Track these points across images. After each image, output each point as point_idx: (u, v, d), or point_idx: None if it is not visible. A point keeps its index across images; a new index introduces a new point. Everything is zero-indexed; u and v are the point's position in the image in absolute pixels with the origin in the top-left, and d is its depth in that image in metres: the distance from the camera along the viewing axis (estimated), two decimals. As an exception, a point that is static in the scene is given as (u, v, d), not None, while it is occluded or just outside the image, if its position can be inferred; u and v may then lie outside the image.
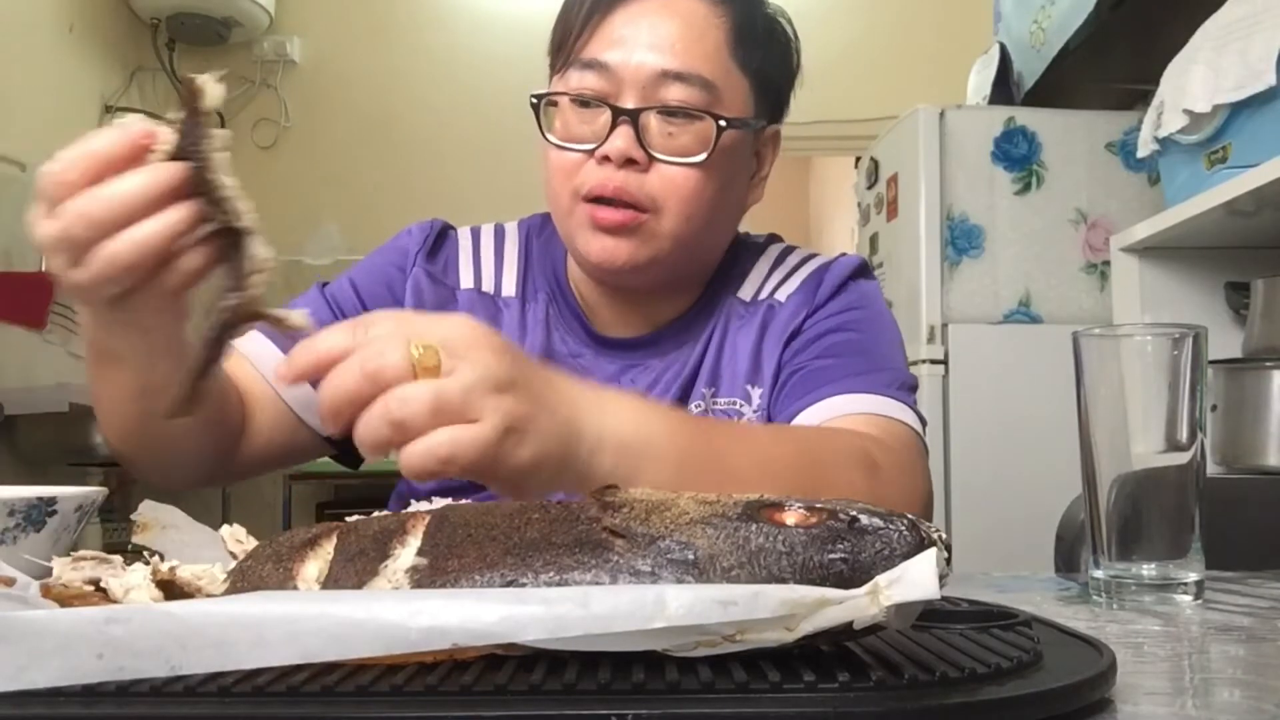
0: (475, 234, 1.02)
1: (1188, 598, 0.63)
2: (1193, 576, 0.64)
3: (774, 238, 1.04)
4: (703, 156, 0.85)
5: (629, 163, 0.85)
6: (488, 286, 0.98)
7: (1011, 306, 2.40)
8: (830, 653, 0.39)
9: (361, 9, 4.06)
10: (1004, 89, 2.62)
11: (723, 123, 0.85)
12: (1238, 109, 1.52)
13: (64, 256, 0.56)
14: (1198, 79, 1.56)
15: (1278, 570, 0.79)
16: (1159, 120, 1.68)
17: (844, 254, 1.01)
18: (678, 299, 0.95)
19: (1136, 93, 2.40)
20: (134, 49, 3.81)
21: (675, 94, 0.85)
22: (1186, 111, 1.59)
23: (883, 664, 0.37)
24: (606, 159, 0.85)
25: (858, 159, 3.15)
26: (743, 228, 1.03)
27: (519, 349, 0.60)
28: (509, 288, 0.98)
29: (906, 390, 0.89)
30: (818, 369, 0.89)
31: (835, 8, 3.93)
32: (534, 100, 0.90)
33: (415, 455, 0.53)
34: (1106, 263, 2.26)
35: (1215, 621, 0.58)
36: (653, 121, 0.85)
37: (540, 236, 1.01)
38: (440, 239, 1.00)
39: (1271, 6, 1.47)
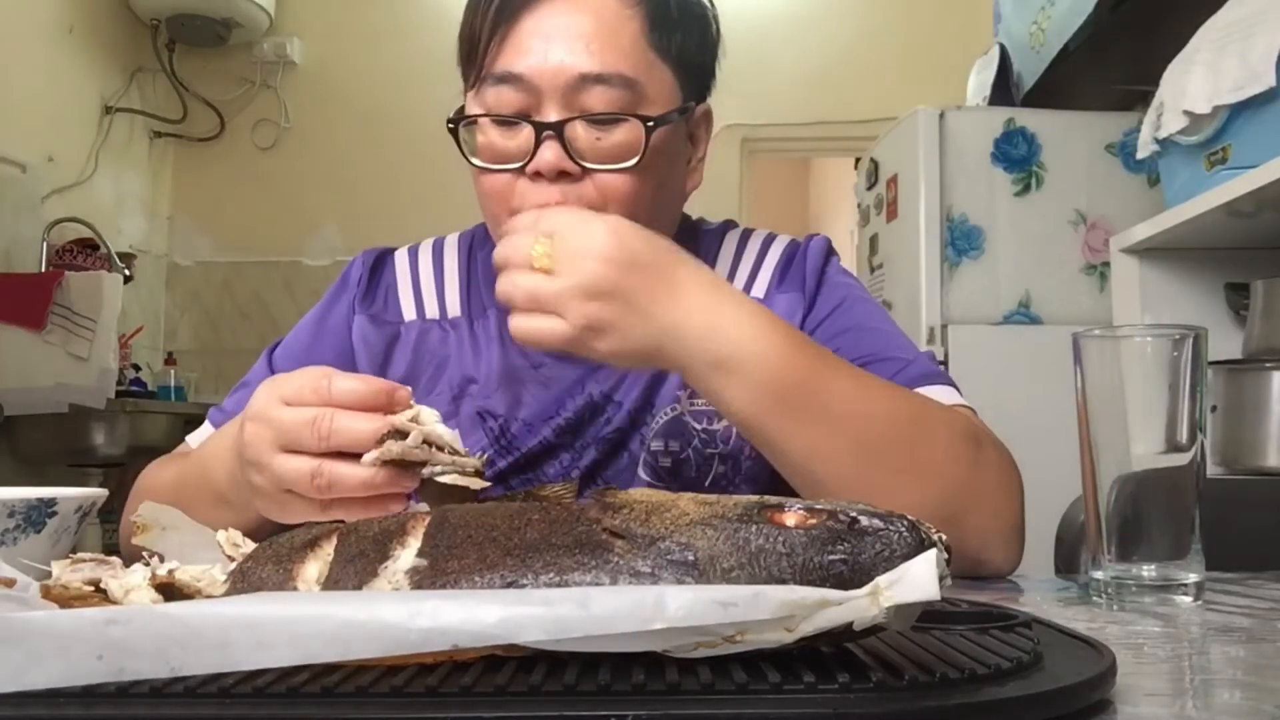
0: (413, 256, 1.01)
1: (1188, 599, 0.63)
2: (1193, 577, 0.64)
3: (729, 223, 1.02)
4: (635, 161, 0.82)
5: (562, 175, 0.82)
6: (432, 312, 0.97)
7: (1011, 307, 2.40)
8: (830, 654, 0.39)
9: (361, 10, 4.06)
10: (1004, 90, 2.62)
11: (650, 123, 0.82)
12: (1237, 110, 1.52)
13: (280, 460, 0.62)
14: (1197, 80, 1.56)
15: (1277, 571, 0.79)
16: (1159, 121, 1.68)
17: (812, 235, 0.99)
18: None
19: (1136, 94, 2.40)
20: (134, 50, 3.81)
21: (597, 99, 0.82)
22: (1186, 113, 1.59)
23: (883, 665, 0.37)
24: (539, 174, 0.82)
25: (857, 160, 3.16)
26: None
27: (639, 255, 0.70)
28: (453, 308, 0.97)
29: (943, 370, 0.90)
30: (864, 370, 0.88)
31: (835, 8, 3.93)
32: (451, 126, 0.86)
33: (513, 329, 0.72)
34: (1106, 264, 2.26)
35: (1215, 623, 0.58)
36: (579, 129, 0.82)
37: (485, 248, 0.99)
38: (376, 270, 1.00)
39: (1271, 7, 1.47)
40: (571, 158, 0.82)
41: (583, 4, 0.83)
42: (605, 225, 0.71)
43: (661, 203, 0.89)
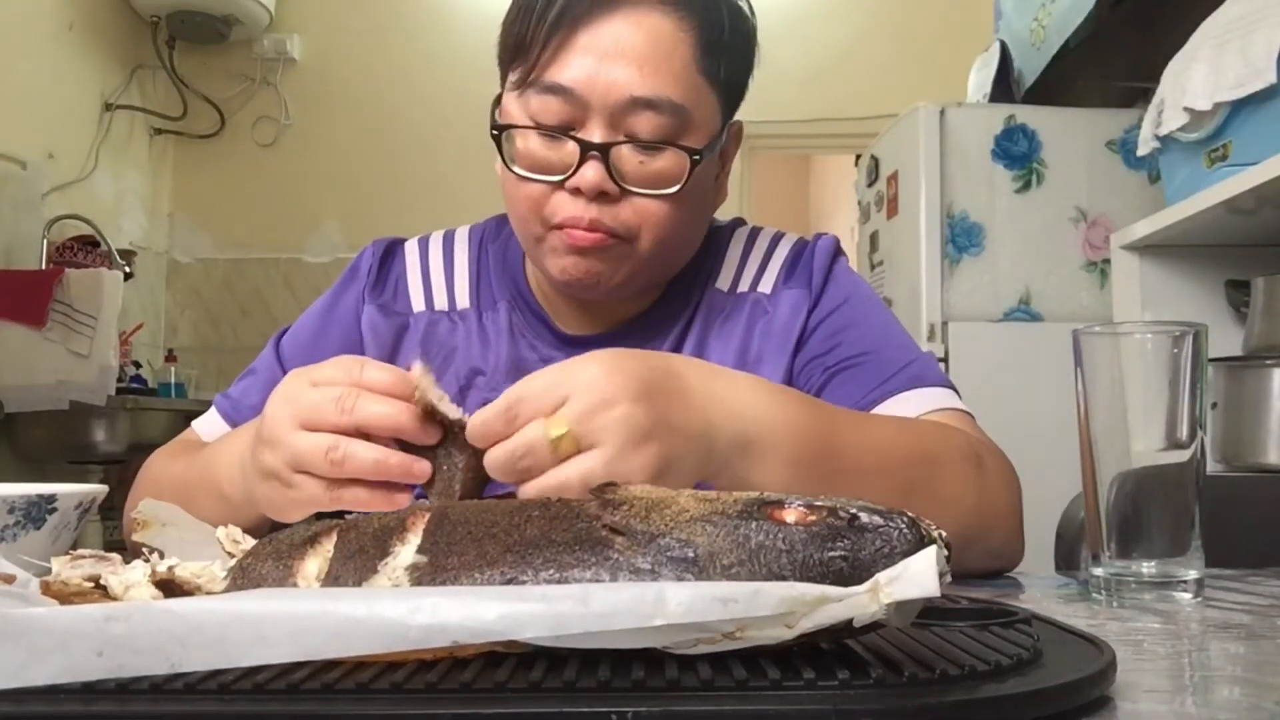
0: (424, 247, 1.01)
1: (1187, 595, 0.63)
2: (1192, 574, 0.64)
3: (738, 221, 1.03)
4: (676, 189, 0.82)
5: (601, 194, 0.82)
6: (440, 303, 0.97)
7: (1012, 304, 2.40)
8: (830, 650, 0.39)
9: (361, 7, 4.06)
10: (1004, 87, 2.62)
11: (697, 156, 0.82)
12: (1238, 107, 1.52)
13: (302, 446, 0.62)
14: (1198, 77, 1.56)
15: (1277, 568, 0.79)
16: (1159, 118, 1.68)
17: (820, 234, 0.99)
18: (644, 295, 0.94)
19: (1137, 90, 2.40)
20: (134, 47, 3.81)
21: (645, 124, 0.81)
22: (1187, 109, 1.59)
23: (882, 661, 0.37)
24: (578, 190, 0.82)
25: (858, 157, 3.15)
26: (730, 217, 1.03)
27: (649, 379, 0.60)
28: (462, 300, 0.97)
29: (944, 373, 0.90)
30: (862, 366, 0.88)
31: (836, 5, 3.92)
32: (495, 134, 0.85)
33: None
34: (1107, 261, 2.26)
35: (1215, 619, 0.58)
36: (624, 152, 0.82)
37: (496, 242, 0.99)
38: (386, 261, 1.00)
39: (1272, 4, 1.47)
40: (613, 178, 0.81)
41: (639, 23, 0.82)
42: (597, 366, 0.60)
43: (693, 225, 0.90)
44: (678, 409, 0.61)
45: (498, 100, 0.88)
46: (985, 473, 0.77)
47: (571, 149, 0.82)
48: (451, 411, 0.59)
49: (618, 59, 0.81)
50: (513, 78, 0.86)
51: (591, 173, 0.81)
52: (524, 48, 0.84)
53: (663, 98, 0.81)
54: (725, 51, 0.86)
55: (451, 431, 0.60)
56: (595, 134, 0.82)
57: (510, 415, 0.58)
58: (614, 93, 0.81)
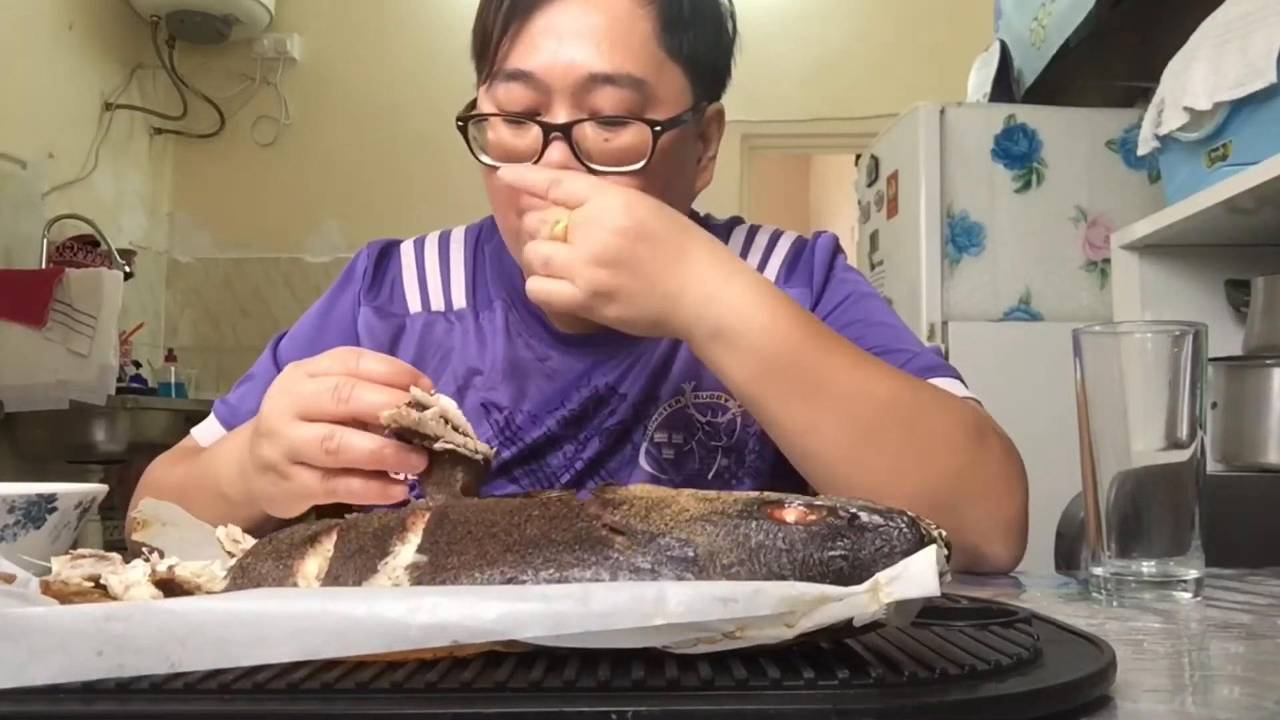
0: (419, 248, 1.01)
1: (1187, 595, 0.63)
2: (1192, 574, 0.64)
3: (736, 219, 1.03)
4: (641, 164, 0.82)
5: None
6: (437, 304, 0.97)
7: (1012, 304, 2.39)
8: (830, 650, 0.39)
9: (361, 6, 4.06)
10: (1004, 86, 2.61)
11: (658, 128, 0.82)
12: (1238, 106, 1.52)
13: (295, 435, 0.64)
14: (1198, 76, 1.56)
15: (1277, 567, 0.79)
16: (1159, 118, 1.68)
17: (819, 232, 0.99)
18: None
19: (1137, 90, 2.40)
20: (134, 46, 3.81)
21: (606, 99, 0.81)
22: (1187, 109, 1.58)
23: (882, 661, 0.37)
24: None
25: (858, 156, 3.15)
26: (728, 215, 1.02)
27: (648, 227, 0.74)
28: (459, 300, 0.97)
29: (949, 363, 0.90)
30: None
31: (836, 5, 3.92)
32: (460, 124, 0.86)
33: (528, 289, 0.76)
34: (1107, 260, 2.26)
35: (1215, 619, 0.58)
36: (587, 130, 0.82)
37: (491, 242, 0.99)
38: (382, 262, 1.00)
39: (1271, 4, 1.47)
40: (579, 158, 0.82)
41: (595, 3, 0.82)
42: (620, 197, 0.74)
43: (668, 203, 0.89)
44: (654, 262, 0.73)
45: (472, 104, 0.88)
46: (985, 449, 0.76)
47: (536, 133, 0.82)
48: (434, 429, 0.59)
49: (575, 39, 0.81)
50: (481, 72, 0.87)
51: (556, 154, 0.81)
52: (487, 41, 0.85)
53: (621, 72, 0.81)
54: (688, 28, 0.86)
55: (451, 425, 0.60)
56: (559, 116, 0.82)
57: (549, 182, 0.75)
58: (573, 72, 0.81)
